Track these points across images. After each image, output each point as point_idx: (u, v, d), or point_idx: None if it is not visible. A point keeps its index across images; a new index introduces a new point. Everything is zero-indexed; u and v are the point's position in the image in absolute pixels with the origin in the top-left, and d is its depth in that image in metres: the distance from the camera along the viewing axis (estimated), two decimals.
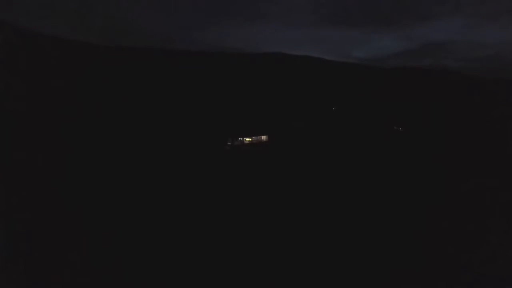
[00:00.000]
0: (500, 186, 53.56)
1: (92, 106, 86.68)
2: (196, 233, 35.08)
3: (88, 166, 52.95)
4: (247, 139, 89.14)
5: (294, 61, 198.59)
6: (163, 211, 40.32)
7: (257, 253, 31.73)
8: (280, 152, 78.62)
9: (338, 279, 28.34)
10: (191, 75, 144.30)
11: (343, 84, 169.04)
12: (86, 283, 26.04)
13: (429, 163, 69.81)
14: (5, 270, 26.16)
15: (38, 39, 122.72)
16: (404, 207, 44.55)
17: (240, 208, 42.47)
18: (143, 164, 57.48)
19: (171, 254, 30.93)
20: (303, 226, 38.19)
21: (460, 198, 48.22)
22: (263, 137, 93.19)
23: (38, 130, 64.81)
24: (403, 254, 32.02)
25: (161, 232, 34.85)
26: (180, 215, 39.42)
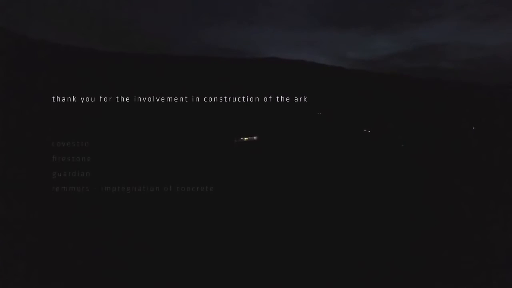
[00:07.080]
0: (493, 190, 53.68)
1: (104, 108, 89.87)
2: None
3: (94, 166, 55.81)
4: (244, 138, 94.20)
5: (288, 65, 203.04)
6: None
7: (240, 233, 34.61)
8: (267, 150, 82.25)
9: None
10: (185, 80, 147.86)
11: (334, 87, 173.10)
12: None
13: (421, 165, 70.70)
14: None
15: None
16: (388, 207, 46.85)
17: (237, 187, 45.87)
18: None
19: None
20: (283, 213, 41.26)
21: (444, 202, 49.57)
22: (254, 137, 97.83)
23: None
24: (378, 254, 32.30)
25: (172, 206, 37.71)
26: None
